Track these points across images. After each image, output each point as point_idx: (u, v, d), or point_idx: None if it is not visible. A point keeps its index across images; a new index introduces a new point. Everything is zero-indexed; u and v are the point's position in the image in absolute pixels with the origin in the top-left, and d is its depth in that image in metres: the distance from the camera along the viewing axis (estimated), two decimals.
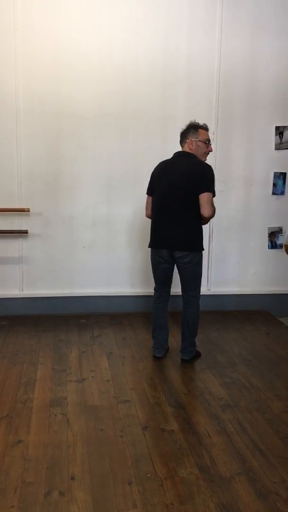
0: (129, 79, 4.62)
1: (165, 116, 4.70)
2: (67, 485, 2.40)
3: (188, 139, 3.63)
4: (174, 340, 4.17)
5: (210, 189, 3.53)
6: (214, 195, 3.57)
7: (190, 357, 3.81)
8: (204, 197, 3.50)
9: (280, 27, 4.74)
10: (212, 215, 3.58)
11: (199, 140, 3.63)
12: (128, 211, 4.79)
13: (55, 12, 4.44)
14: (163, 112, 4.70)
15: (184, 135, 3.67)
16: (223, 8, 4.63)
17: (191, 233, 3.60)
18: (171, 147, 4.52)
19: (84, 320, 4.70)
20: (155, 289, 3.85)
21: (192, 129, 3.64)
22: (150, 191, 3.78)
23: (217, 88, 4.75)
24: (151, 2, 4.55)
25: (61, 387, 3.38)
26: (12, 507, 2.25)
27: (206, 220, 3.64)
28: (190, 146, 3.63)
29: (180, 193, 3.54)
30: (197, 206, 3.54)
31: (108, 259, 4.86)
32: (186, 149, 3.66)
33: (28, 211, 4.64)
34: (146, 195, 3.84)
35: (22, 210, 4.62)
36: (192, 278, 3.66)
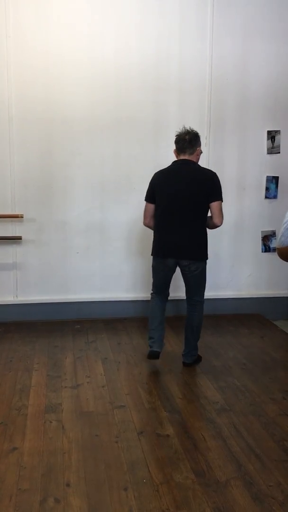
0: (121, 85, 4.64)
1: (158, 122, 4.72)
2: (63, 492, 2.39)
3: (198, 147, 3.61)
4: (169, 345, 4.17)
5: (220, 197, 3.54)
6: (222, 201, 3.59)
7: (192, 360, 3.80)
8: (216, 206, 3.51)
9: (271, 32, 4.78)
10: (222, 223, 3.60)
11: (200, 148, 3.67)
12: (121, 216, 4.79)
13: (47, 19, 4.45)
14: (156, 118, 4.72)
15: (193, 144, 3.58)
16: (214, 14, 4.66)
17: (200, 242, 3.59)
18: (164, 152, 4.56)
19: (78, 326, 4.69)
20: (153, 291, 3.81)
21: (199, 138, 3.62)
22: (151, 199, 3.69)
23: (209, 94, 4.78)
24: (142, 9, 4.57)
25: (56, 393, 3.37)
26: None
27: (214, 228, 3.65)
28: (198, 154, 3.63)
29: (189, 201, 3.51)
30: (205, 214, 3.55)
31: (102, 264, 4.86)
32: (193, 158, 3.60)
33: (22, 217, 4.63)
34: (145, 202, 3.74)
35: (16, 216, 4.62)
36: (198, 284, 3.66)
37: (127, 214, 4.79)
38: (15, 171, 4.60)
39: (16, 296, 4.79)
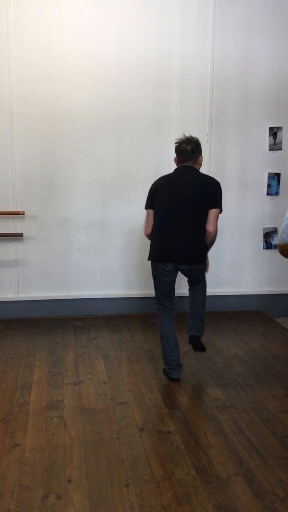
0: (122, 82, 4.63)
1: (159, 118, 4.71)
2: (64, 488, 2.39)
3: (200, 157, 3.54)
4: None
5: (220, 205, 3.46)
6: (221, 211, 3.50)
7: (201, 333, 3.61)
8: (214, 212, 3.43)
9: (272, 29, 4.76)
10: (216, 233, 3.47)
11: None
12: (123, 213, 4.79)
13: (48, 15, 4.44)
14: (157, 115, 4.71)
15: (196, 153, 3.49)
16: (215, 10, 4.64)
17: (200, 246, 3.47)
18: (165, 149, 4.55)
19: (80, 323, 4.70)
20: (158, 303, 3.58)
21: (200, 147, 3.54)
22: (151, 206, 3.55)
23: (211, 90, 4.76)
24: (144, 5, 4.56)
25: (57, 390, 3.37)
26: (9, 510, 2.25)
27: (210, 238, 3.47)
28: (200, 163, 3.56)
29: (190, 205, 3.40)
30: (205, 220, 3.45)
31: (103, 261, 4.86)
32: (196, 166, 3.53)
33: (23, 214, 4.63)
34: (146, 210, 3.59)
35: (17, 213, 4.62)
36: (199, 276, 3.59)
37: (128, 211, 4.79)
38: (17, 168, 4.60)
39: (18, 293, 4.79)
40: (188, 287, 3.69)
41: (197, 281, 3.63)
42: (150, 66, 4.64)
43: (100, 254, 4.84)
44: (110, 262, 4.87)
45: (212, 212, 3.44)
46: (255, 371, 3.72)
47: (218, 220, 3.48)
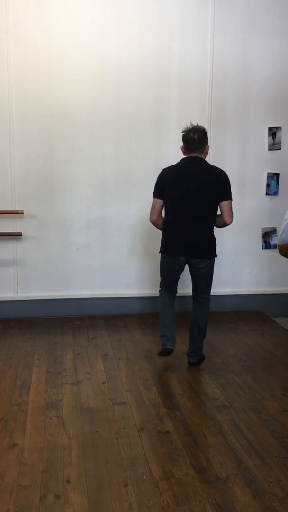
0: (122, 82, 4.62)
1: (159, 118, 4.71)
2: (63, 488, 2.39)
3: (206, 145, 3.58)
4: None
5: (230, 195, 3.54)
6: (232, 200, 3.59)
7: (198, 360, 3.76)
8: (227, 204, 3.51)
9: (272, 28, 4.76)
10: (232, 221, 3.59)
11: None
12: (122, 213, 4.79)
13: (47, 14, 4.43)
14: (157, 114, 4.71)
15: (203, 142, 3.54)
16: (215, 9, 4.64)
17: (210, 240, 3.60)
18: (165, 149, 4.55)
19: (79, 322, 4.69)
20: (162, 283, 3.76)
21: (207, 135, 3.59)
22: (160, 195, 3.60)
23: (210, 90, 4.76)
24: (143, 5, 4.55)
25: (56, 390, 3.37)
26: (8, 510, 2.24)
27: (224, 226, 3.63)
28: (206, 152, 3.61)
29: (200, 199, 3.49)
30: (215, 212, 3.55)
31: (102, 261, 4.86)
32: (202, 155, 3.58)
33: (22, 213, 4.63)
34: (153, 198, 3.64)
35: (16, 213, 4.62)
36: (206, 281, 3.65)
37: (127, 210, 4.78)
38: (16, 167, 4.59)
39: (17, 292, 4.79)
40: (192, 300, 3.73)
41: (202, 292, 3.66)
42: (149, 66, 4.63)
43: (99, 254, 4.84)
44: (109, 261, 4.86)
45: (225, 204, 3.53)
46: (254, 371, 3.72)
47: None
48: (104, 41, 4.54)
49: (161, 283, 3.77)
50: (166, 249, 3.64)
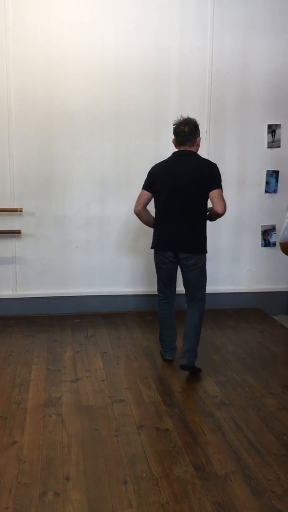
0: (121, 79, 4.61)
1: (158, 115, 4.70)
2: (62, 486, 2.39)
3: (198, 137, 3.56)
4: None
5: (220, 185, 3.46)
6: (222, 190, 3.50)
7: (191, 363, 3.53)
8: (216, 193, 3.42)
9: (271, 26, 4.75)
10: (225, 211, 3.47)
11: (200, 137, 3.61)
12: (121, 210, 4.78)
13: (46, 11, 4.42)
14: (156, 112, 4.70)
15: (193, 134, 3.52)
16: (214, 7, 4.63)
17: (199, 235, 3.52)
18: (164, 146, 4.53)
19: (78, 320, 4.69)
20: (159, 290, 3.71)
21: (198, 127, 3.56)
22: (148, 187, 3.62)
23: (209, 87, 4.75)
24: (143, 2, 4.54)
25: (55, 388, 3.37)
26: (7, 508, 2.24)
27: (217, 217, 3.53)
28: (198, 144, 3.58)
29: (189, 193, 3.45)
30: (204, 207, 3.51)
31: (101, 258, 4.85)
32: (193, 148, 3.55)
33: (21, 211, 4.62)
34: (142, 190, 3.66)
35: (15, 210, 4.61)
36: (198, 281, 3.55)
37: (126, 208, 4.76)
38: (15, 165, 4.58)
39: (16, 290, 4.78)
40: (186, 304, 3.63)
41: (195, 293, 3.57)
42: (148, 63, 4.62)
43: (98, 252, 4.84)
44: (108, 259, 4.86)
45: (213, 193, 3.43)
46: (253, 368, 3.72)
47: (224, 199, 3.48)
48: (103, 38, 4.53)
49: (158, 286, 3.71)
50: (155, 244, 3.62)
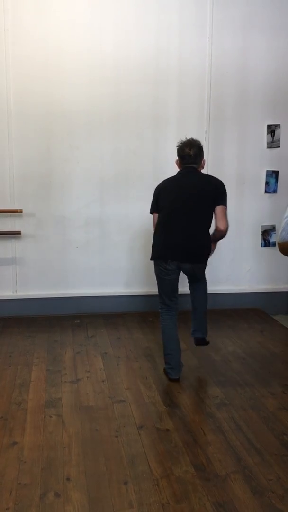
0: (120, 80, 4.61)
1: (157, 116, 4.70)
2: (63, 486, 2.39)
3: (202, 160, 3.53)
4: None
5: (225, 202, 3.45)
6: (226, 208, 3.49)
7: (206, 334, 3.68)
8: (220, 209, 3.42)
9: (270, 26, 4.75)
10: (227, 230, 3.46)
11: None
12: (121, 211, 4.78)
13: (45, 12, 4.42)
14: (155, 112, 4.70)
15: (199, 157, 3.49)
16: (213, 8, 4.63)
17: (204, 245, 3.46)
18: (163, 146, 4.55)
19: (78, 321, 4.69)
20: (161, 302, 3.54)
21: (202, 150, 3.53)
22: (156, 209, 3.56)
23: (209, 88, 4.76)
24: (141, 3, 4.54)
25: (55, 388, 3.37)
26: (8, 509, 2.25)
27: (220, 235, 3.50)
28: (202, 166, 3.56)
29: (194, 205, 3.40)
30: (209, 219, 3.46)
31: (101, 259, 4.86)
32: (199, 169, 3.53)
33: (21, 212, 4.62)
34: (152, 214, 3.62)
35: (15, 211, 4.61)
36: (200, 276, 3.60)
37: (126, 208, 4.78)
38: (14, 165, 4.58)
39: (16, 291, 4.78)
40: (188, 284, 3.67)
41: (198, 279, 3.63)
42: (148, 63, 4.63)
43: (98, 252, 4.84)
44: (108, 260, 4.86)
45: (218, 209, 3.43)
46: (253, 368, 3.72)
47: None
48: (102, 39, 4.54)
49: (160, 297, 3.55)
50: (157, 253, 3.48)
